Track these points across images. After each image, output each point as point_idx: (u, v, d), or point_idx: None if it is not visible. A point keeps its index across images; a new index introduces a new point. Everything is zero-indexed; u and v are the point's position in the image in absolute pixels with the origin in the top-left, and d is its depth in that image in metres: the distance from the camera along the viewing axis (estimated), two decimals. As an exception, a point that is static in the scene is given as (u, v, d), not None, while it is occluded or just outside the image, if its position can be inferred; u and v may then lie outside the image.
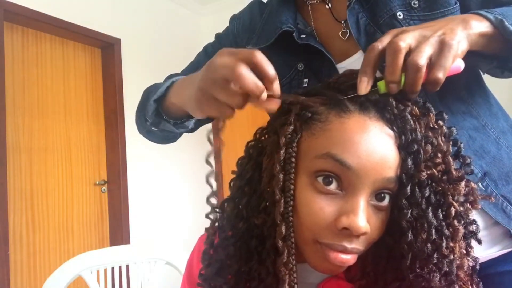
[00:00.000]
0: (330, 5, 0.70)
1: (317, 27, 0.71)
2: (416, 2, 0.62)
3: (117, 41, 3.13)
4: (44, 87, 2.76)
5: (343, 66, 0.65)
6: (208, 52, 0.83)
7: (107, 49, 3.14)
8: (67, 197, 2.82)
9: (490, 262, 0.61)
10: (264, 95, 0.44)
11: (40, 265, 2.61)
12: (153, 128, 0.71)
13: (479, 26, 0.50)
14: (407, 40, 0.45)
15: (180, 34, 3.79)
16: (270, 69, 0.44)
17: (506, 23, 0.50)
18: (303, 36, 0.67)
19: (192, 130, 0.76)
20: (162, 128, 0.69)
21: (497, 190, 0.60)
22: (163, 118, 0.67)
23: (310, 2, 0.72)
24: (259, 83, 0.43)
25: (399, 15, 0.62)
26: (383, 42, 0.46)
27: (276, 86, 0.45)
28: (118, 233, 3.02)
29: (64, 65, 2.90)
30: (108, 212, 3.08)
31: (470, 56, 0.49)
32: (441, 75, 0.44)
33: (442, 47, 0.44)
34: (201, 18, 4.05)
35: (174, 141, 0.82)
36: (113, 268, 1.33)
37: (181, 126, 0.69)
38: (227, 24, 0.84)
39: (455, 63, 0.46)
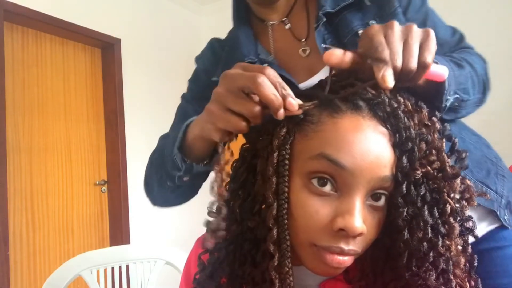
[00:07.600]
0: (289, 25, 0.75)
1: (278, 48, 0.75)
2: (373, 22, 0.66)
3: (117, 41, 3.13)
4: (44, 87, 2.76)
5: (308, 85, 0.64)
6: (188, 98, 0.82)
7: (107, 49, 3.14)
8: (67, 197, 2.82)
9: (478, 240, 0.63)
10: (282, 111, 0.43)
11: (40, 265, 2.61)
12: (184, 179, 0.65)
13: None
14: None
15: (180, 34, 3.79)
16: (284, 85, 0.44)
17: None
18: (265, 65, 0.67)
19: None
20: (196, 172, 0.63)
21: (474, 176, 0.63)
22: (192, 164, 0.62)
23: (270, 23, 0.76)
24: (278, 95, 0.43)
25: (360, 32, 0.65)
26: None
27: (289, 103, 0.44)
28: (118, 233, 3.02)
29: (64, 65, 2.90)
30: (108, 212, 3.08)
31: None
32: None
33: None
34: (201, 18, 4.05)
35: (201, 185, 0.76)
36: (113, 268, 1.33)
37: (211, 165, 0.63)
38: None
39: (438, 69, 0.46)
